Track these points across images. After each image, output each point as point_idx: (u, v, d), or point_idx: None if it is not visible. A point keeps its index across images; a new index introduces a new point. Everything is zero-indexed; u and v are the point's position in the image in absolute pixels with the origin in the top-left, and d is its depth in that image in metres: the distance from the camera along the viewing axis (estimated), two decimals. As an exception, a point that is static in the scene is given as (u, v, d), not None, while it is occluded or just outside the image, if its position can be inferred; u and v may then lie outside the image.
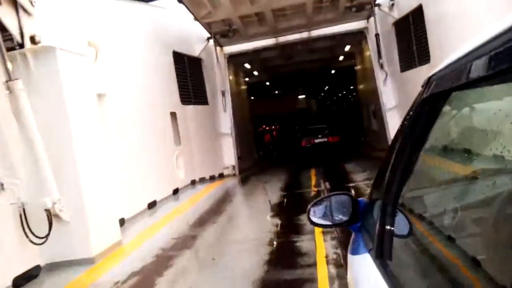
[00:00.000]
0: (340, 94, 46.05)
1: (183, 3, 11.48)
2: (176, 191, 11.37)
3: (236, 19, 13.03)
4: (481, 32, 0.91)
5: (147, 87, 10.38)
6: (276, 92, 37.64)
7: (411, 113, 1.40)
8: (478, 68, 0.86)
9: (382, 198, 1.53)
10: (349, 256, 2.00)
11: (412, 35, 12.35)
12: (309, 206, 1.90)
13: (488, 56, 0.81)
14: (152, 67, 11.00)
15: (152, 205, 9.71)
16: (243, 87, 23.32)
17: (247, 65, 19.98)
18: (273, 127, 34.59)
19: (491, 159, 1.13)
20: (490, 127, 1.18)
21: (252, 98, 32.16)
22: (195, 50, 14.16)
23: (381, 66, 14.42)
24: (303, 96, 42.71)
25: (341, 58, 22.36)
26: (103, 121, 7.22)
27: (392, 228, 1.44)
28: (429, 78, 1.27)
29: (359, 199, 1.89)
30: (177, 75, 12.41)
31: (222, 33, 13.96)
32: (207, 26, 13.52)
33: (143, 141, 9.69)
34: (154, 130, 10.45)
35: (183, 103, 12.58)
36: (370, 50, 15.25)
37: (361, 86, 21.89)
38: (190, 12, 12.11)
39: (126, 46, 9.78)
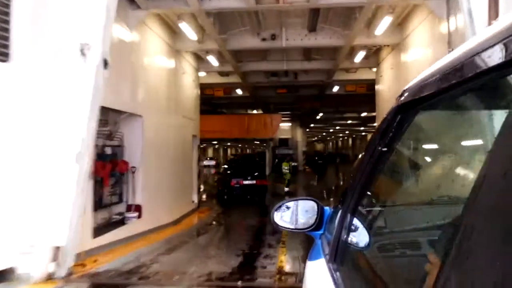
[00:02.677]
0: (334, 128, 37.35)
1: None
2: None
3: None
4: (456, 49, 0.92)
5: None
6: (255, 111, 28.35)
7: (382, 124, 1.43)
8: (449, 82, 0.87)
9: (344, 207, 1.59)
10: (307, 262, 2.03)
11: None
12: (274, 208, 1.86)
13: (460, 71, 0.81)
14: None
15: None
16: (191, 87, 13.90)
17: (187, 29, 10.24)
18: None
19: (449, 184, 1.23)
20: (454, 148, 1.29)
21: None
22: None
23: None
24: (289, 124, 33.71)
25: (358, 57, 13.19)
26: None
27: (347, 236, 1.50)
28: (403, 90, 1.29)
29: (325, 207, 1.88)
30: None
31: None
32: None
33: None
34: None
35: None
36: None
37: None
38: None
39: None
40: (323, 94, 20.45)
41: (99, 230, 7.34)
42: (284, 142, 33.54)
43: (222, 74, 16.79)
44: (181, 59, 12.47)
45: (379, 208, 1.68)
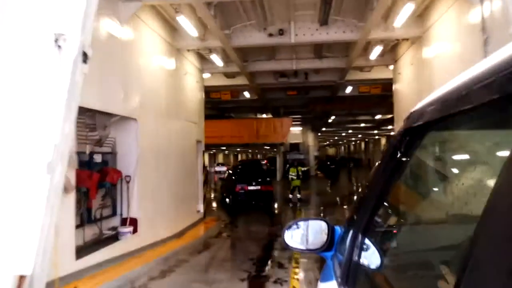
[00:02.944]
0: (346, 132, 36.32)
1: None
2: None
3: None
4: (465, 71, 0.90)
5: None
6: (264, 115, 27.45)
7: (391, 144, 1.42)
8: (456, 107, 0.88)
9: (355, 227, 1.55)
10: (318, 283, 2.01)
11: None
12: (284, 229, 1.86)
13: (467, 95, 0.82)
14: None
15: None
16: (195, 89, 13.05)
17: (186, 23, 9.35)
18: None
19: (462, 203, 1.18)
20: (462, 168, 1.30)
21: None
22: None
23: None
24: (299, 128, 32.74)
25: (374, 53, 12.17)
26: None
27: (359, 257, 1.46)
28: (411, 112, 1.28)
29: (336, 226, 1.86)
30: None
31: None
32: None
33: None
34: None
35: None
36: None
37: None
38: None
39: None
40: (335, 96, 19.43)
41: (85, 249, 6.46)
42: (295, 147, 32.58)
43: (228, 75, 15.94)
44: (183, 59, 11.61)
45: (391, 228, 1.65)
